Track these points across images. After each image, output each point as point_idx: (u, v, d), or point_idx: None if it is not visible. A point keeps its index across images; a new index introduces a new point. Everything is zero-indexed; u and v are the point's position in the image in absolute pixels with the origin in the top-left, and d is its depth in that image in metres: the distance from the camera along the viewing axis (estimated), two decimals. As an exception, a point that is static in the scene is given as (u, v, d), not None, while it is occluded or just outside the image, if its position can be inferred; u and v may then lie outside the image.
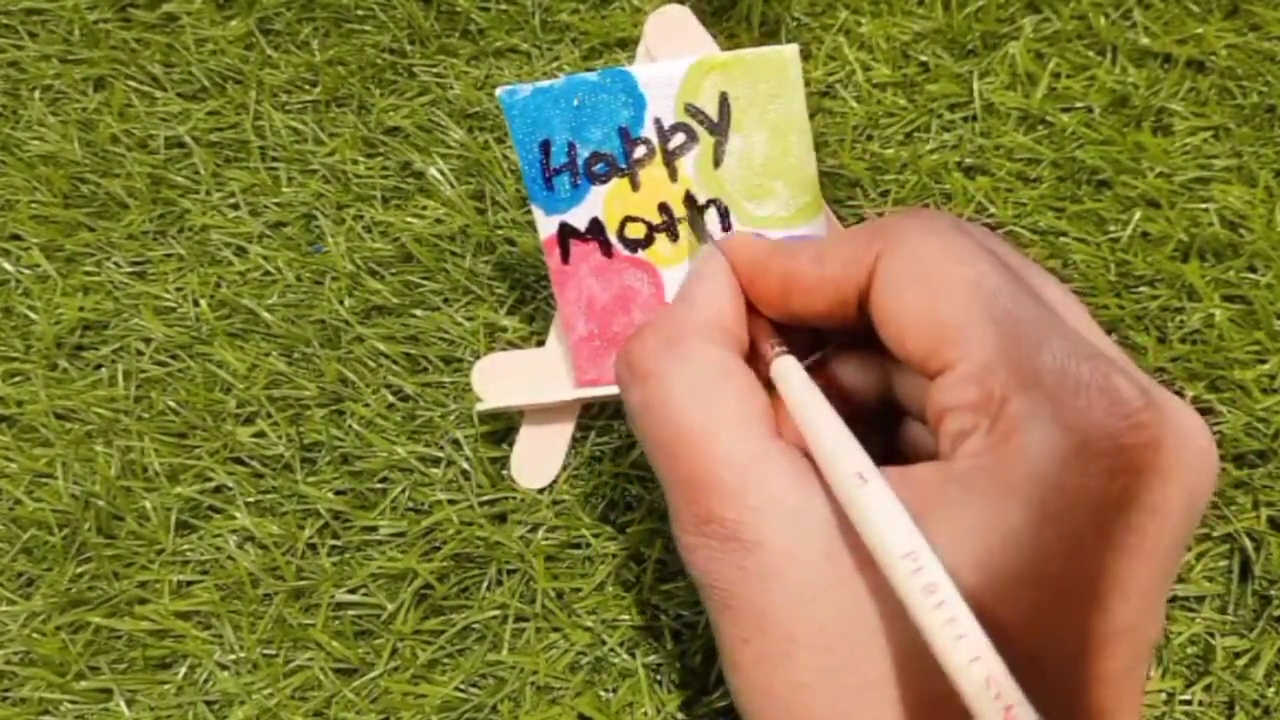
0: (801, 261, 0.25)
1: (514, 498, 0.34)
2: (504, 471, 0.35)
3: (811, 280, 0.24)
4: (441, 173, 0.38)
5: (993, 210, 0.35)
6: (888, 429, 0.27)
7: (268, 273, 0.38)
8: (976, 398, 0.20)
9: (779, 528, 0.21)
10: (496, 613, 0.33)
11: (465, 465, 0.35)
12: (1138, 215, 0.35)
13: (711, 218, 0.32)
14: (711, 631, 0.32)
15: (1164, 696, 0.31)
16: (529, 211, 0.34)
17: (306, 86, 0.40)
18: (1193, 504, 0.20)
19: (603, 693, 0.32)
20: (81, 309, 0.38)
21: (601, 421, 0.35)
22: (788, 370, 0.24)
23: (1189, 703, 0.31)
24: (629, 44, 0.39)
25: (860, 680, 0.20)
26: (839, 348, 0.27)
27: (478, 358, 0.34)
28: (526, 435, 0.34)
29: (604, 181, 0.31)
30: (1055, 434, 0.19)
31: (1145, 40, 0.37)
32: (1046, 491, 0.19)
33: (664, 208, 0.32)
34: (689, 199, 0.31)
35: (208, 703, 0.33)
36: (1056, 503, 0.19)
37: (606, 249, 0.32)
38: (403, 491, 0.35)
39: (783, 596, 0.21)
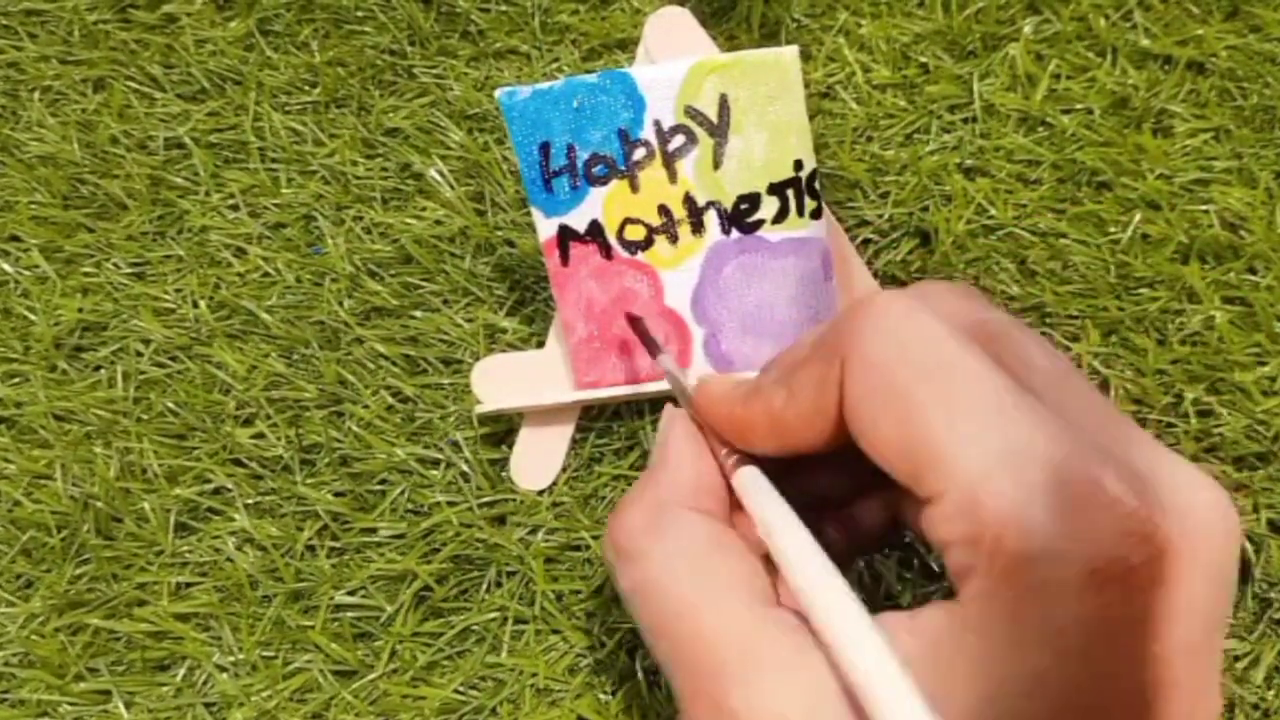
0: (776, 400, 0.23)
1: (513, 499, 0.34)
2: (503, 473, 0.34)
3: (794, 418, 0.22)
4: (441, 174, 0.38)
5: (993, 212, 0.35)
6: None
7: (267, 274, 0.38)
8: (968, 532, 0.19)
9: (791, 706, 0.20)
10: (496, 615, 0.33)
11: (465, 467, 0.35)
12: (1138, 217, 0.35)
13: (713, 222, 0.32)
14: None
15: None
16: (529, 213, 0.34)
17: (306, 87, 0.40)
18: (1221, 576, 0.19)
19: (602, 695, 0.32)
20: (81, 310, 0.38)
21: (601, 423, 0.35)
22: (750, 483, 0.23)
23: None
24: (629, 45, 0.38)
25: None
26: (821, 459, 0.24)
27: (477, 359, 0.34)
28: (526, 437, 0.34)
29: (603, 183, 0.31)
30: (1060, 568, 0.18)
31: (1145, 42, 0.37)
32: (1064, 628, 0.18)
33: (663, 209, 0.32)
34: (693, 206, 0.31)
35: (206, 704, 0.33)
36: (1077, 637, 0.18)
37: (606, 251, 0.32)
38: (402, 493, 0.35)
39: None
